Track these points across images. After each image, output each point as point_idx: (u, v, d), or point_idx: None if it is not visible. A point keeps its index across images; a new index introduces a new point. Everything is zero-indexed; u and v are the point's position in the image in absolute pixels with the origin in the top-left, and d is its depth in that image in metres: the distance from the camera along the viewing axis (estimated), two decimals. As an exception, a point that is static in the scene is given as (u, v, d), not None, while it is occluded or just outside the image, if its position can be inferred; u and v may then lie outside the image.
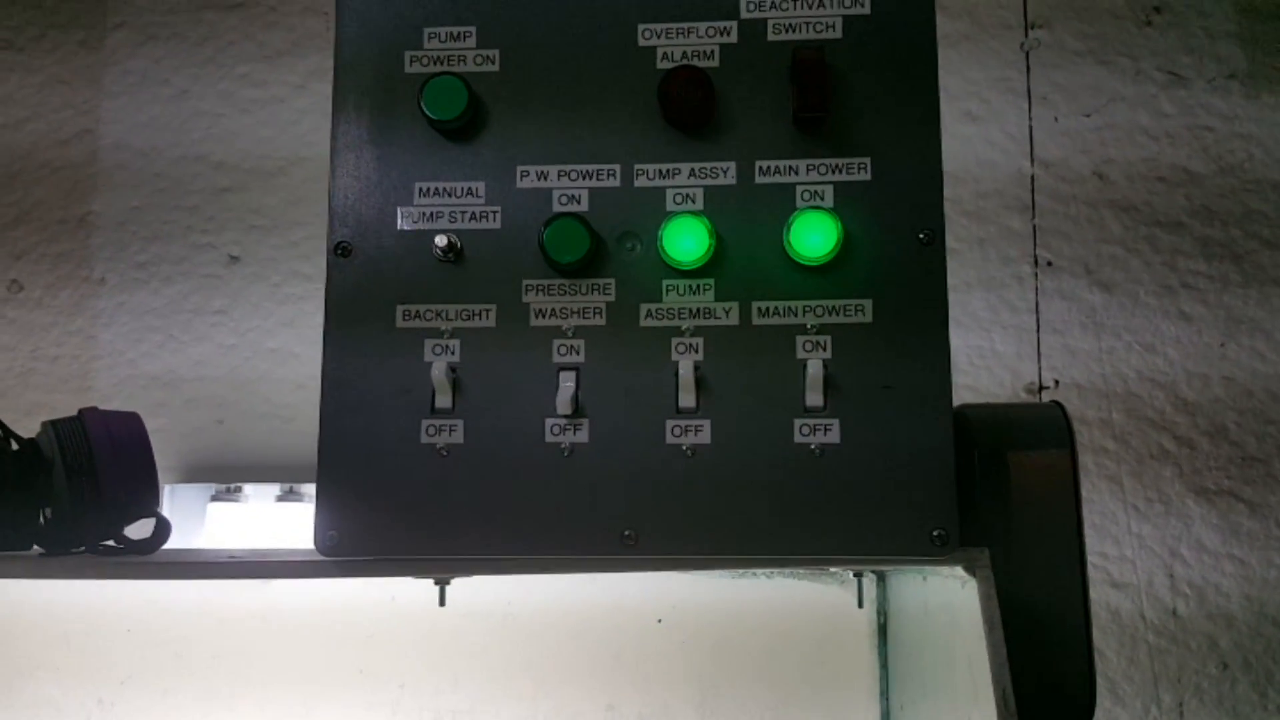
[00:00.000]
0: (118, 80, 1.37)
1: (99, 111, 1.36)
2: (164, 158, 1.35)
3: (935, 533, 0.62)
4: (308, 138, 1.35)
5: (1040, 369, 1.25)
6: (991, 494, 0.70)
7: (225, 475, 1.25)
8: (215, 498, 1.22)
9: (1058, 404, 0.74)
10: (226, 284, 1.32)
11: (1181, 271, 1.25)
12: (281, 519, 1.21)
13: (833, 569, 0.83)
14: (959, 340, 1.25)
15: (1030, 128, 1.28)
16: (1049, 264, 1.26)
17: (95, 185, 1.35)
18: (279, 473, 1.26)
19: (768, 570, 0.95)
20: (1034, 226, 1.27)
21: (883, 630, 0.94)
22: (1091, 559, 1.22)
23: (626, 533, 0.63)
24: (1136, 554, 1.21)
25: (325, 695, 0.97)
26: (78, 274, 1.33)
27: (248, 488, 1.23)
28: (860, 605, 0.88)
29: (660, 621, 0.96)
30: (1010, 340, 1.25)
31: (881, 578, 0.94)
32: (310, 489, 1.22)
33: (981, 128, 1.29)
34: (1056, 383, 1.25)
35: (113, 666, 0.97)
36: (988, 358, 1.25)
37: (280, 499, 1.23)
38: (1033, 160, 1.28)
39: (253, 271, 1.32)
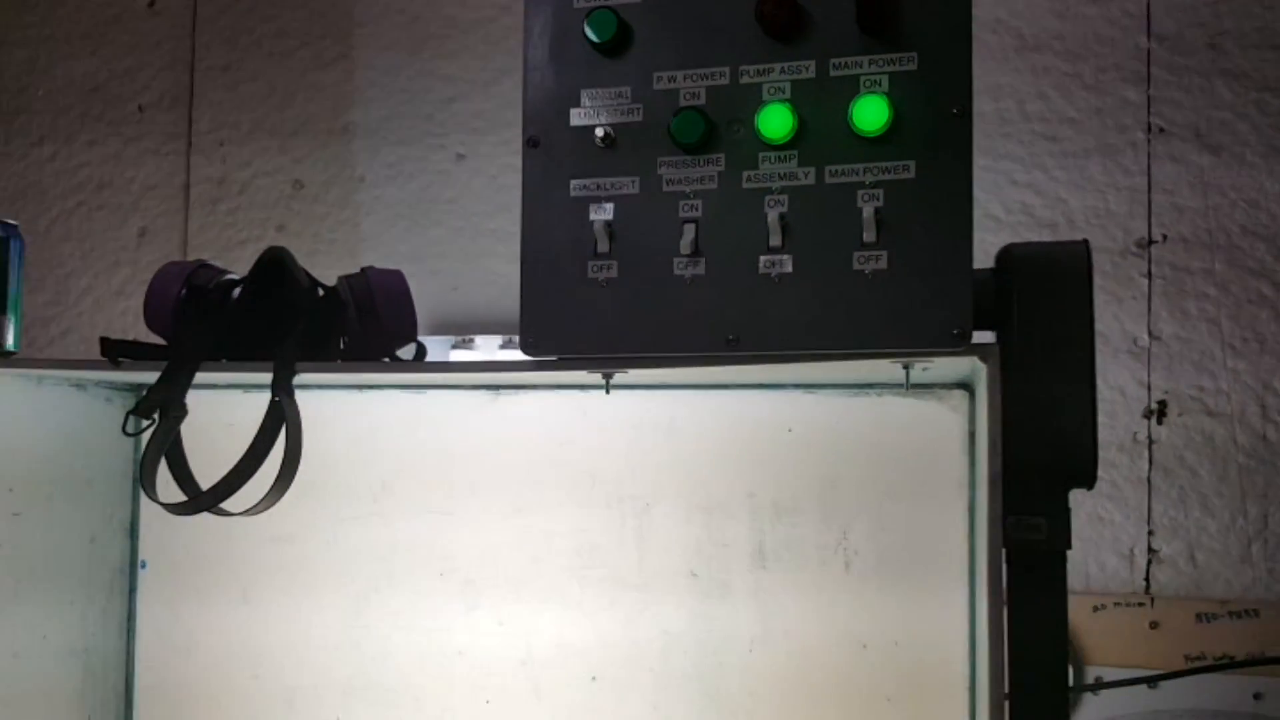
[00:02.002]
0: (365, 11, 1.69)
1: (352, 38, 1.69)
2: (404, 74, 1.66)
3: (955, 331, 0.84)
4: (515, 51, 1.61)
5: (1150, 225, 1.40)
6: (1024, 307, 0.91)
7: (461, 329, 1.58)
8: (455, 346, 1.55)
9: (1084, 241, 0.94)
10: (455, 178, 1.64)
11: (1288, 132, 1.36)
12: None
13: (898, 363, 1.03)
14: (1077, 202, 1.42)
15: (1148, 5, 1.40)
16: (1161, 130, 1.40)
17: (353, 100, 1.68)
18: (501, 327, 1.57)
19: (879, 389, 1.18)
20: (1148, 96, 1.40)
21: (972, 436, 1.15)
22: (1189, 391, 1.38)
23: (731, 337, 0.88)
24: (1231, 387, 1.36)
25: (537, 486, 1.28)
26: (344, 174, 1.67)
27: (478, 339, 1.56)
28: (905, 381, 1.11)
29: (790, 431, 1.21)
30: (1123, 200, 1.40)
31: (972, 395, 1.15)
32: (526, 339, 1.54)
33: (1102, 7, 1.43)
34: (1165, 237, 1.40)
35: (390, 452, 1.31)
36: (1102, 217, 1.41)
37: (502, 346, 1.55)
38: (1149, 35, 1.40)
39: (475, 166, 1.62)
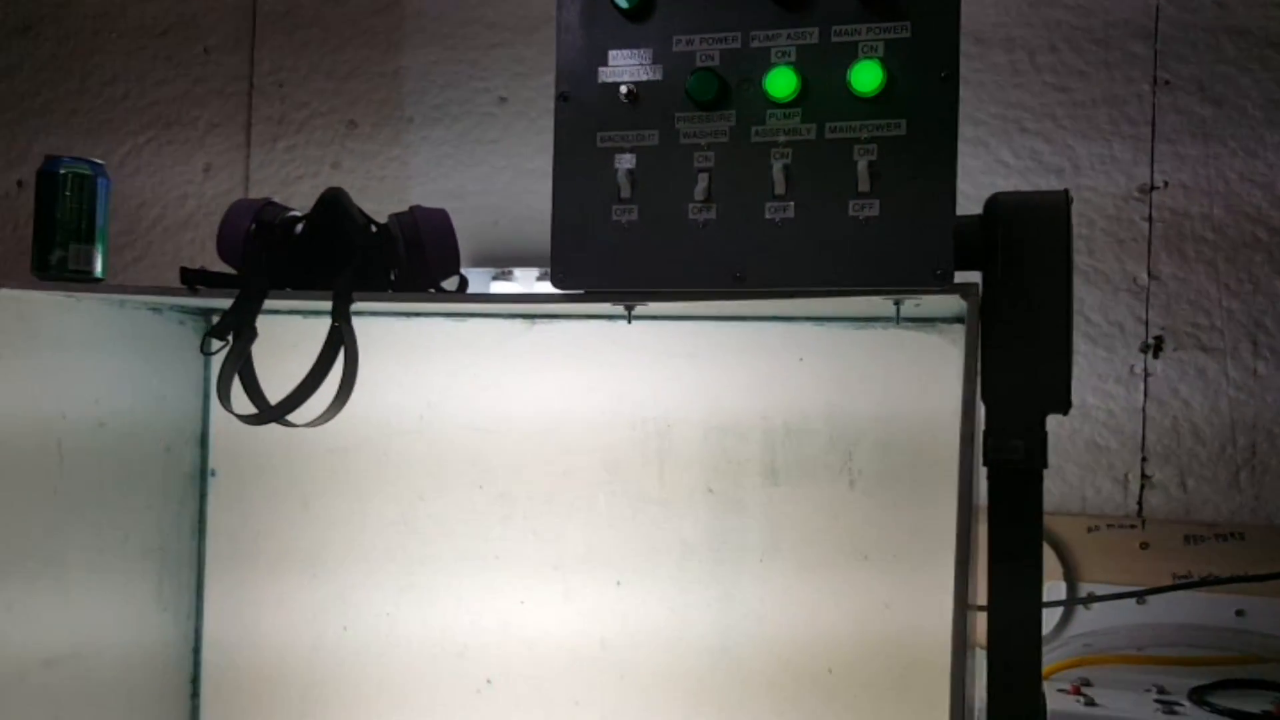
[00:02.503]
0: (415, -40, 1.78)
1: (403, -14, 1.78)
2: (450, 21, 1.76)
3: (938, 271, 0.94)
4: (554, 2, 1.70)
5: (1152, 172, 1.47)
6: (1006, 249, 1.00)
7: (501, 262, 1.70)
8: (495, 278, 1.67)
9: (1065, 190, 1.02)
10: (498, 120, 1.74)
11: (1288, 84, 1.42)
12: (540, 292, 1.65)
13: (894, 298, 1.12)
14: (1084, 149, 1.49)
15: (1159, -39, 1.46)
16: (1166, 83, 1.46)
17: (403, 46, 1.78)
18: (539, 260, 1.69)
19: (884, 323, 1.28)
20: (1155, 51, 1.46)
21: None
22: (1185, 328, 1.47)
23: (738, 274, 0.99)
24: (1225, 325, 1.44)
25: (567, 408, 1.40)
26: (394, 115, 1.78)
27: (517, 271, 1.67)
28: (895, 323, 1.21)
29: (801, 360, 1.32)
30: (1128, 148, 1.47)
31: (969, 329, 1.25)
32: (563, 273, 1.65)
33: (1115, -37, 1.49)
34: (1166, 183, 1.47)
35: (435, 375, 1.44)
36: (1107, 163, 1.48)
37: (539, 279, 1.66)
38: (1158, -9, 1.46)
39: (517, 110, 1.73)
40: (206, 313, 1.48)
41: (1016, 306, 1.00)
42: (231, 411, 1.12)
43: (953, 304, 1.09)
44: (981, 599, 1.05)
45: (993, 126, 1.50)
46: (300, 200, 1.19)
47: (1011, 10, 1.49)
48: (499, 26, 1.73)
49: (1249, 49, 1.44)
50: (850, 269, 0.96)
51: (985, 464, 1.02)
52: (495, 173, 1.72)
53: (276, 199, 1.24)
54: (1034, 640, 1.04)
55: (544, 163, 1.71)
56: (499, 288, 1.64)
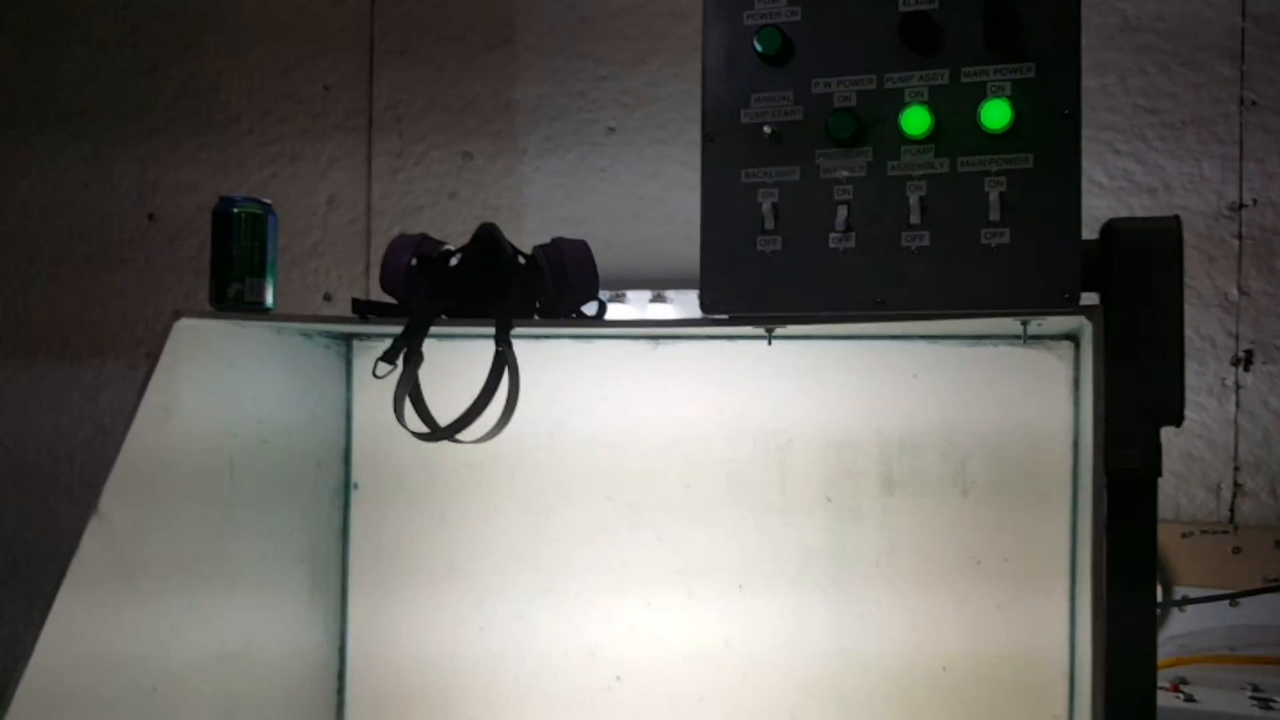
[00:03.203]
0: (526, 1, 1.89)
1: (514, 24, 1.89)
2: (560, 56, 1.86)
3: (1065, 295, 1.02)
4: (660, 32, 1.81)
5: (1241, 190, 1.54)
6: (1123, 273, 1.08)
7: (614, 285, 1.79)
8: (609, 300, 1.76)
9: (1176, 216, 1.10)
10: (606, 150, 1.84)
11: (1374, 105, 1.48)
12: (654, 314, 1.74)
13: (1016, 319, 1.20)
14: (1174, 169, 1.56)
15: (1245, -13, 1.53)
16: (1253, 103, 1.53)
17: (515, 79, 1.88)
18: (650, 283, 1.78)
19: (995, 341, 1.37)
20: (1241, 72, 1.54)
21: (1076, 382, 1.33)
22: (1274, 341, 1.53)
23: (878, 299, 1.08)
24: (1315, 336, 1.50)
25: (691, 423, 1.49)
26: (508, 146, 1.88)
27: (630, 293, 1.77)
28: (1022, 341, 1.29)
29: (916, 376, 1.40)
30: (1216, 168, 1.54)
31: (1077, 345, 1.33)
32: (672, 294, 1.74)
33: (1203, -10, 1.56)
34: (1254, 201, 1.54)
35: (565, 393, 1.53)
36: (1197, 182, 1.55)
37: (651, 300, 1.75)
38: (1244, 16, 1.53)
39: (625, 139, 1.82)
40: (348, 337, 1.59)
41: (1134, 325, 1.08)
42: (406, 428, 1.22)
43: (1066, 322, 1.17)
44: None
45: (1086, 148, 1.56)
46: (421, 228, 1.29)
47: (1102, 35, 1.57)
48: (606, 61, 1.83)
49: (1335, 71, 1.51)
50: (984, 292, 1.05)
51: (1105, 473, 1.10)
52: (606, 200, 1.82)
53: (433, 234, 1.33)
54: (1150, 633, 1.12)
55: (652, 189, 1.81)
56: (613, 310, 1.74)
